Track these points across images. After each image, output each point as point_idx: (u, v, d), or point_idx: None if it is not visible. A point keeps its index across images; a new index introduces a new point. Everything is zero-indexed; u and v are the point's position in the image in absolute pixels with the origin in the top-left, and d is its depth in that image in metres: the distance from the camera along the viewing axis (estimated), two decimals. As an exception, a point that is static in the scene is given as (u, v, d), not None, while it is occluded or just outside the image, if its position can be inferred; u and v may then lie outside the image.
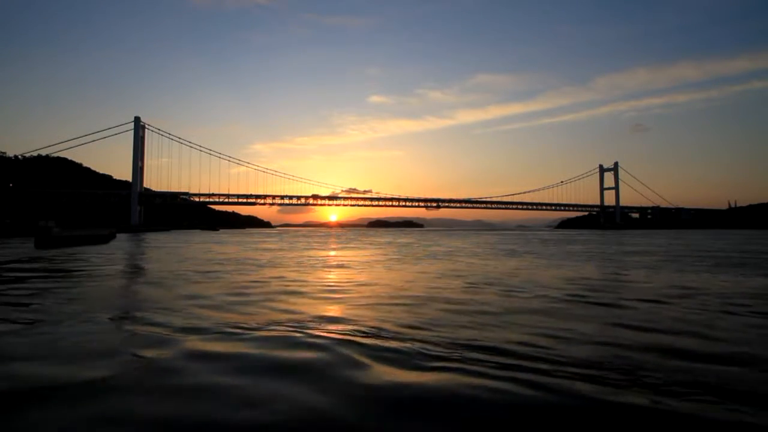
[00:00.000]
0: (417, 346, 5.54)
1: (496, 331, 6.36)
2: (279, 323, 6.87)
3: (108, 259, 20.63)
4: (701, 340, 5.89)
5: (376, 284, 11.73)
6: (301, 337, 6.05)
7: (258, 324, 6.80)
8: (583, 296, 9.66)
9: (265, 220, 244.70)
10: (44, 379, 4.38)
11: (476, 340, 5.86)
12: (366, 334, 6.14)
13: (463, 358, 5.05)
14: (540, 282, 12.20)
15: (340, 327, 6.62)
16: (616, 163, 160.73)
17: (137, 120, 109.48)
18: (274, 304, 8.60)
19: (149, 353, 5.26)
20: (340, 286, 11.33)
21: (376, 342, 5.74)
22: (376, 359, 5.01)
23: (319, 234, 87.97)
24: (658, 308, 8.22)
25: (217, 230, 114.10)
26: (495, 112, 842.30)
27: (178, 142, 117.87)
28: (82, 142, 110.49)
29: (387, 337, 5.97)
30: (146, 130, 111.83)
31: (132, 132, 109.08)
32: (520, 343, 5.67)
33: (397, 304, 8.57)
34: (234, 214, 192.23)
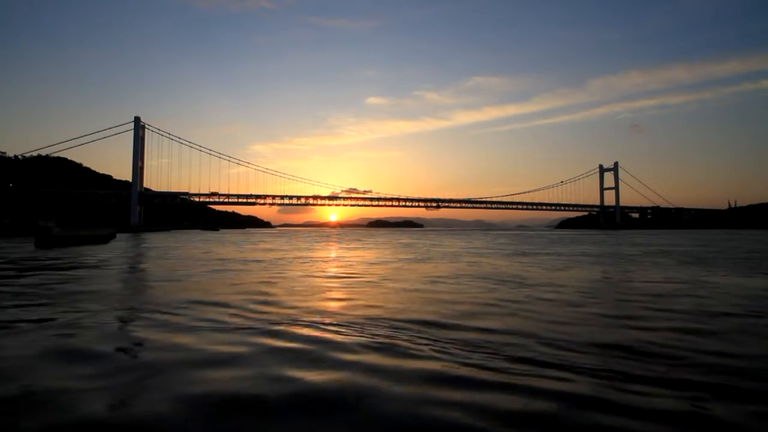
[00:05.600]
0: (439, 365, 5.35)
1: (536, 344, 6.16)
2: (283, 320, 6.69)
3: (108, 259, 20.43)
4: None
5: (387, 286, 11.53)
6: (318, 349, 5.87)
7: (264, 324, 6.62)
8: (628, 301, 9.44)
9: (265, 220, 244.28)
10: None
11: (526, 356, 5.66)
12: (386, 338, 5.96)
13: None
14: (576, 286, 12.00)
15: (343, 330, 6.44)
16: (616, 163, 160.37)
17: (137, 120, 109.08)
18: (276, 306, 8.41)
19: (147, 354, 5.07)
20: (347, 288, 11.12)
21: (397, 352, 5.55)
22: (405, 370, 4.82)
23: (319, 234, 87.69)
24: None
25: (218, 230, 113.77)
26: (491, 113, 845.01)
27: (178, 142, 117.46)
28: (82, 142, 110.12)
29: (406, 345, 5.78)
30: (146, 130, 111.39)
31: (132, 132, 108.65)
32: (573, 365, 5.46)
33: (416, 307, 8.38)
34: (234, 214, 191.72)
